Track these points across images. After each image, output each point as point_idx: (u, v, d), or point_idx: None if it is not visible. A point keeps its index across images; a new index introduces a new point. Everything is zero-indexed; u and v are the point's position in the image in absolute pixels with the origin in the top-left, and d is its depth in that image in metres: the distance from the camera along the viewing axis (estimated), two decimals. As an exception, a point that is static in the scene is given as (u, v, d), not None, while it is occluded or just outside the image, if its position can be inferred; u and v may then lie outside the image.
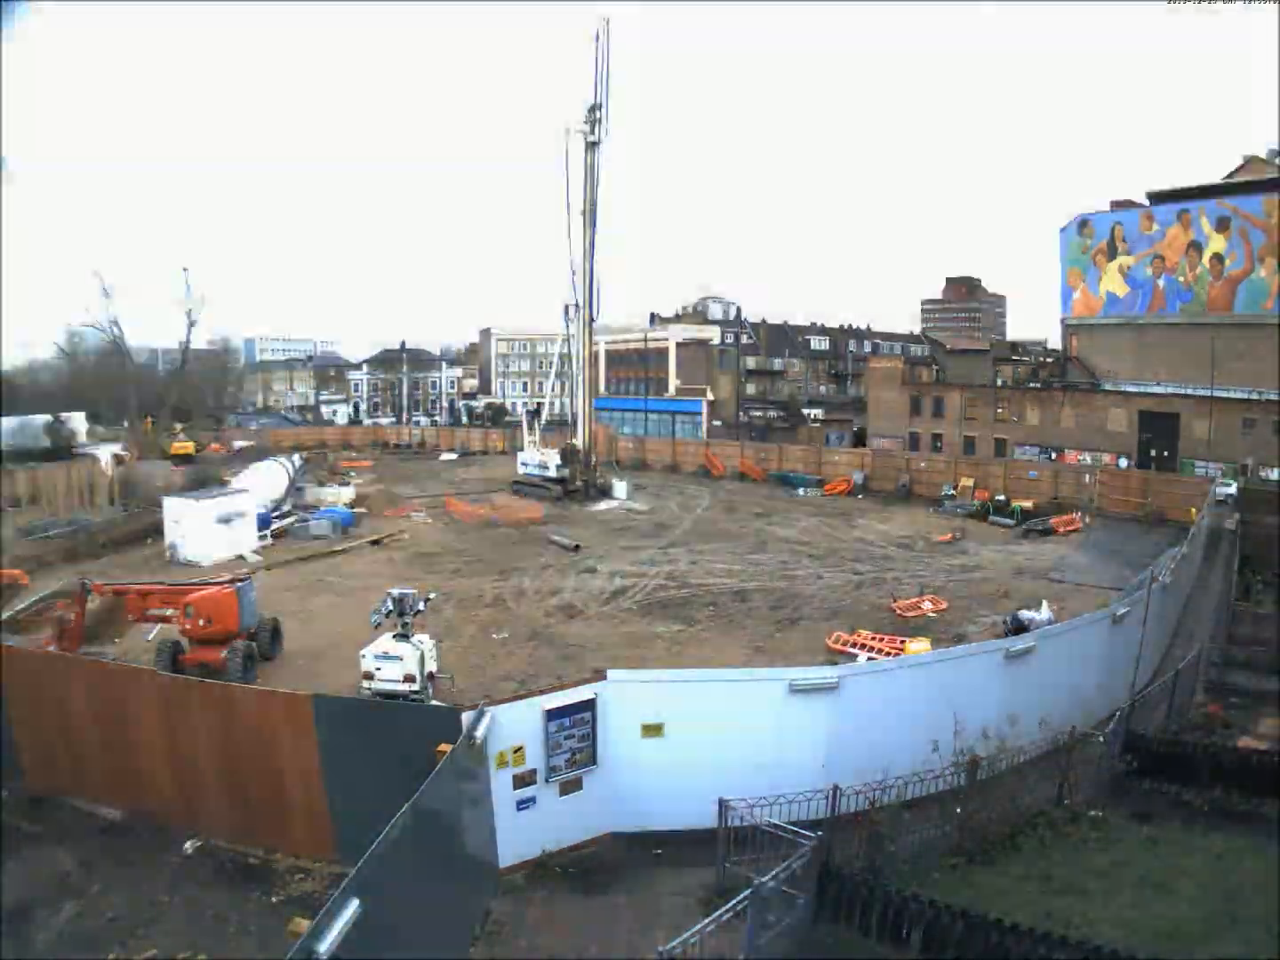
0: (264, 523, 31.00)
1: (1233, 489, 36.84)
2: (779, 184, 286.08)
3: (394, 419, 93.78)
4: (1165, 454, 49.76)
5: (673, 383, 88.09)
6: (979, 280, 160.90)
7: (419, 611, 16.07)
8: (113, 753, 11.45)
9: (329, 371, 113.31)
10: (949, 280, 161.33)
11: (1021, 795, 10.84)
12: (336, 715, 10.33)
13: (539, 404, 56.48)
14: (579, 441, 43.80)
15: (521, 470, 45.44)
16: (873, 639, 19.34)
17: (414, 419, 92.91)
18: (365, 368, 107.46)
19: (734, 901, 7.30)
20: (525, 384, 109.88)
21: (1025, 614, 19.40)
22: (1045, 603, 20.61)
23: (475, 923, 8.89)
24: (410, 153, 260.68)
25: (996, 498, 39.48)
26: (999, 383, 62.03)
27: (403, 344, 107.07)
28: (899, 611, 22.27)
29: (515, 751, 9.93)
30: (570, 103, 41.26)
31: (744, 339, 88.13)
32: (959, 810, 10.34)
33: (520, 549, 30.34)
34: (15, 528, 29.82)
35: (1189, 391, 48.57)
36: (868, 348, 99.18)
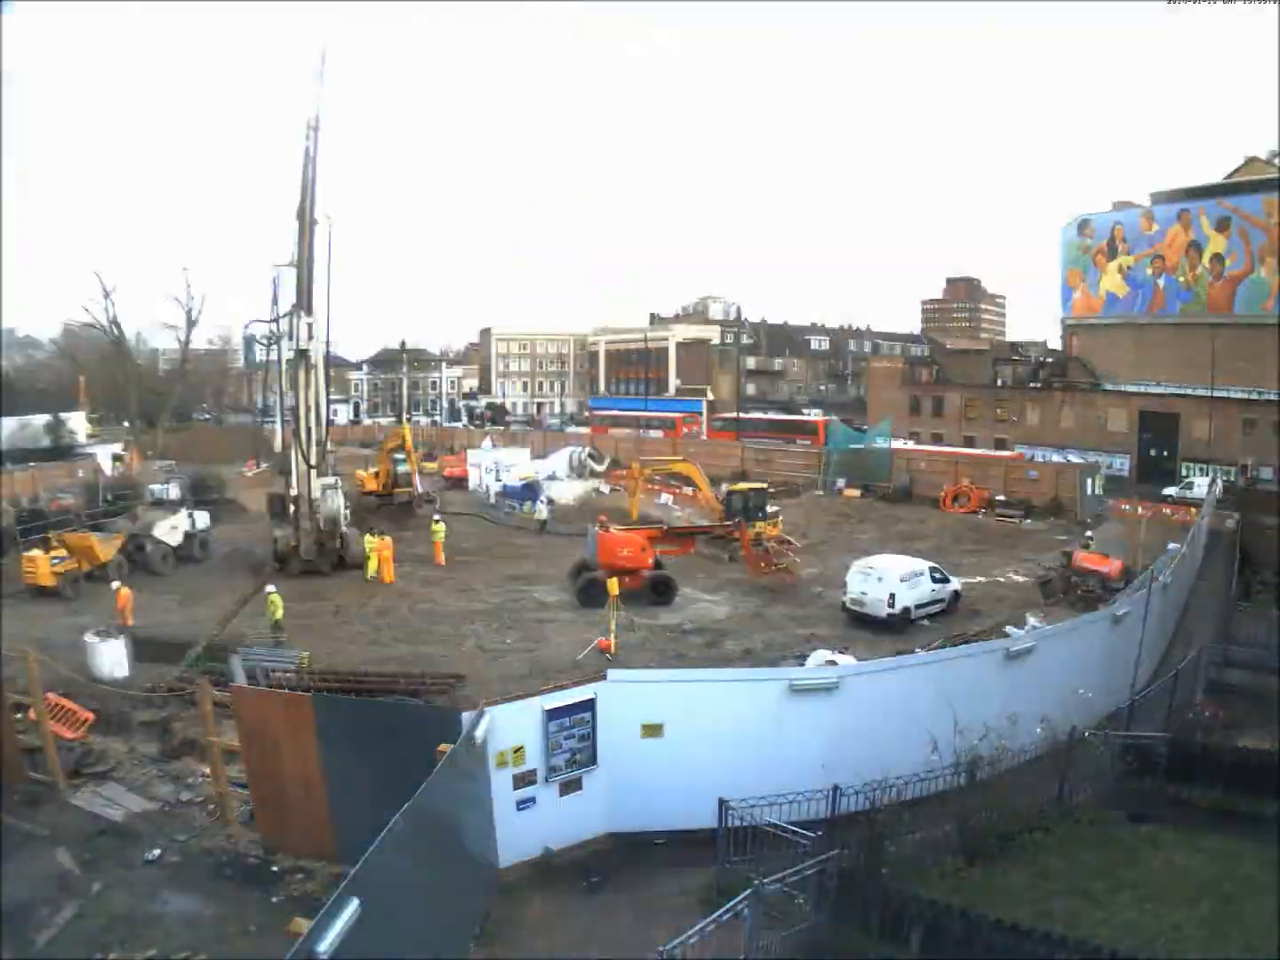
0: None
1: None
2: (780, 184, 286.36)
3: (394, 419, 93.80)
4: (1165, 454, 49.81)
5: (673, 383, 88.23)
6: (979, 280, 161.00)
7: None
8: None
9: (329, 371, 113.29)
10: (949, 280, 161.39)
11: (1021, 795, 10.83)
12: (336, 715, 10.33)
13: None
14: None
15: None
16: None
17: (414, 419, 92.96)
18: (365, 367, 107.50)
19: (734, 901, 7.30)
20: (525, 384, 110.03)
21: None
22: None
23: (475, 923, 8.88)
24: (407, 149, 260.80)
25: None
26: (999, 383, 62.06)
27: (403, 343, 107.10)
28: None
29: (515, 751, 9.92)
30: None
31: (744, 339, 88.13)
32: (959, 810, 10.34)
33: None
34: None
35: (1189, 391, 48.58)
36: (868, 348, 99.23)
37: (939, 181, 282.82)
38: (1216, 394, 46.67)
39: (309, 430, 26.30)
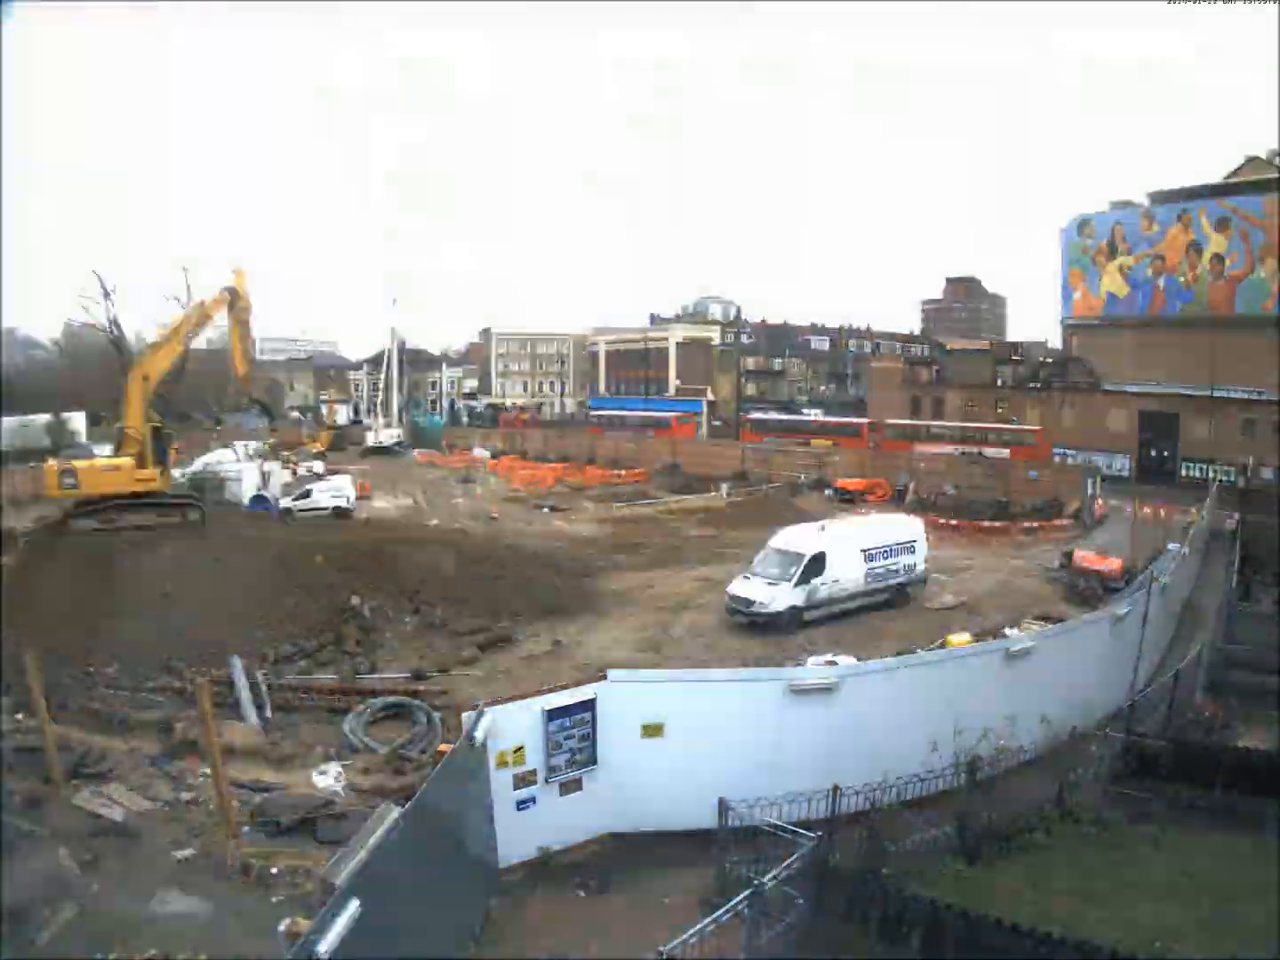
0: None
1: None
2: (780, 183, 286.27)
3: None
4: (1165, 454, 49.80)
5: (673, 383, 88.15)
6: (979, 280, 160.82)
7: None
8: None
9: (329, 372, 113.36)
10: (949, 280, 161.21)
11: (1021, 795, 10.84)
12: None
13: None
14: None
15: None
16: None
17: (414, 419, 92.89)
18: (365, 368, 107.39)
19: (734, 901, 7.30)
20: (525, 384, 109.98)
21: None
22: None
23: (475, 923, 8.88)
24: (404, 144, 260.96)
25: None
26: (999, 383, 62.00)
27: (403, 343, 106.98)
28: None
29: (515, 751, 9.92)
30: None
31: (744, 339, 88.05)
32: (959, 810, 10.34)
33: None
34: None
35: (1189, 391, 48.54)
36: (868, 348, 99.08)
37: (939, 181, 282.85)
38: (1216, 394, 46.63)
39: None
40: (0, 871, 9.56)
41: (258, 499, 36.42)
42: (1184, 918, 8.73)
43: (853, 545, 21.75)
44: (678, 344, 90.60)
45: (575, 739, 10.29)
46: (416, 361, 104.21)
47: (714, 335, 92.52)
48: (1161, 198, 54.51)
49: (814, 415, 69.96)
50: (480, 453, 61.56)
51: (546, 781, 10.18)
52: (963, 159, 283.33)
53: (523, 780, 10.02)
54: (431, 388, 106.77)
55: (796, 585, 20.52)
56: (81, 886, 9.68)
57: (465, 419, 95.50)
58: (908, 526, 23.80)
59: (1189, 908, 8.92)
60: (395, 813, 7.97)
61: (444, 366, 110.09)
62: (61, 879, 9.81)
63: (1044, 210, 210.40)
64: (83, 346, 66.76)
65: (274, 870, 10.00)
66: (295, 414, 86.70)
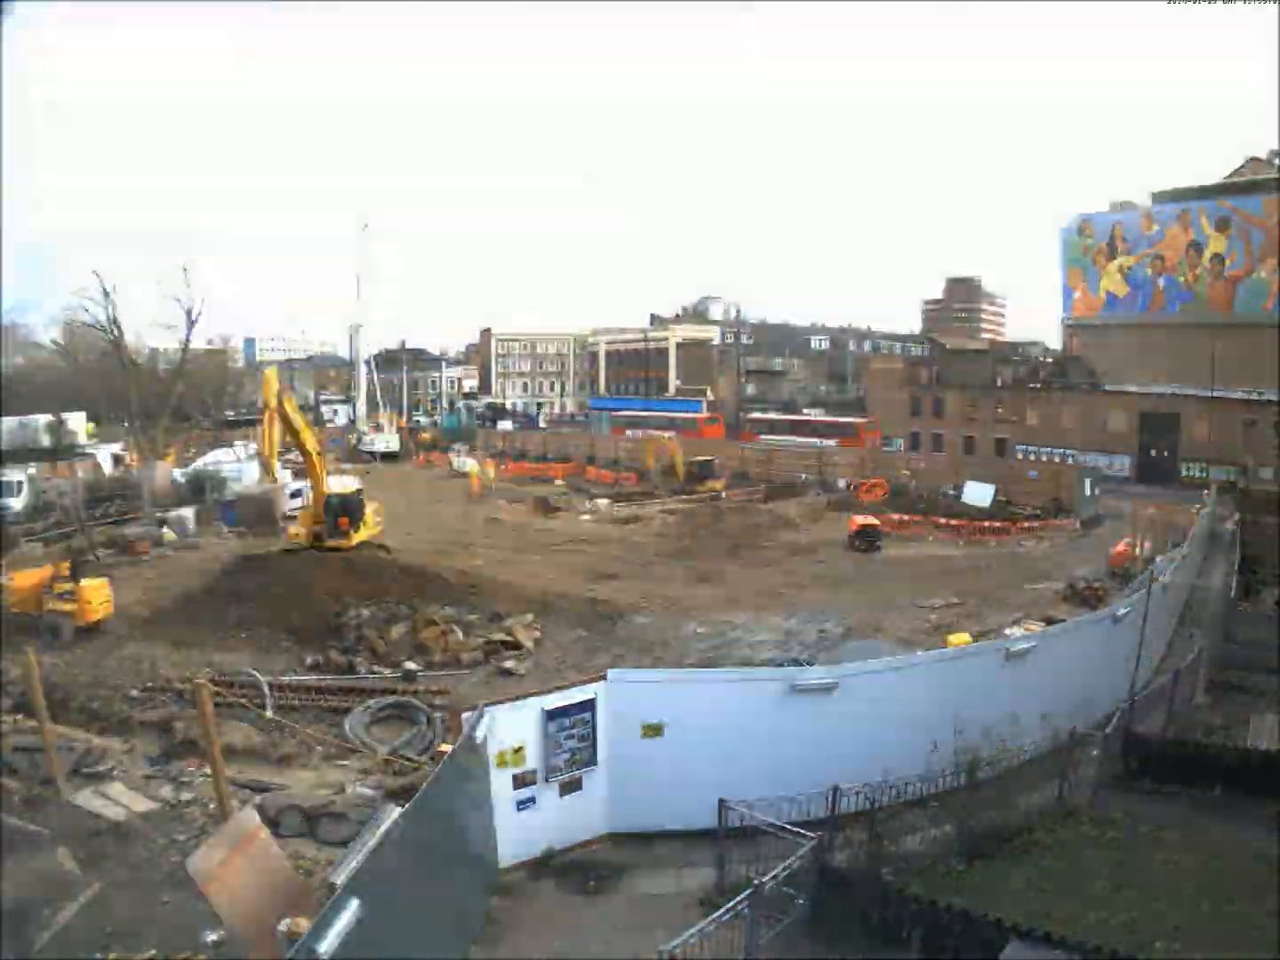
0: None
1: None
2: (780, 183, 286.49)
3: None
4: (1165, 454, 49.81)
5: (673, 383, 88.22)
6: (979, 280, 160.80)
7: None
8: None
9: (329, 372, 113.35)
10: (949, 280, 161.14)
11: (1021, 795, 10.83)
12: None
13: None
14: None
15: None
16: None
17: (414, 419, 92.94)
18: (365, 367, 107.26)
19: (734, 901, 7.29)
20: (525, 384, 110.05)
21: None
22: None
23: (475, 923, 8.88)
24: (405, 149, 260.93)
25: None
26: (999, 383, 62.03)
27: (403, 343, 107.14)
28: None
29: (515, 751, 9.92)
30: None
31: (744, 339, 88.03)
32: (959, 810, 10.34)
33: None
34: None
35: (1189, 392, 48.53)
36: (868, 348, 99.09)
37: (940, 181, 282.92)
38: (1216, 394, 46.65)
39: None
40: (0, 871, 9.55)
41: (229, 504, 35.05)
42: (1184, 918, 8.73)
43: None
44: (678, 344, 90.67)
45: (575, 739, 10.29)
46: (417, 361, 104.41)
47: (714, 335, 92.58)
48: (1161, 198, 54.57)
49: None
50: (468, 463, 57.32)
51: (546, 781, 10.18)
52: (963, 158, 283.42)
53: (523, 780, 10.02)
54: (432, 387, 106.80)
55: None
56: (81, 886, 9.67)
57: (465, 419, 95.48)
58: None
59: (1189, 908, 8.92)
60: (395, 813, 7.96)
61: (444, 366, 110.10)
62: (61, 879, 9.80)
63: (1044, 210, 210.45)
64: (83, 346, 66.58)
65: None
66: None
